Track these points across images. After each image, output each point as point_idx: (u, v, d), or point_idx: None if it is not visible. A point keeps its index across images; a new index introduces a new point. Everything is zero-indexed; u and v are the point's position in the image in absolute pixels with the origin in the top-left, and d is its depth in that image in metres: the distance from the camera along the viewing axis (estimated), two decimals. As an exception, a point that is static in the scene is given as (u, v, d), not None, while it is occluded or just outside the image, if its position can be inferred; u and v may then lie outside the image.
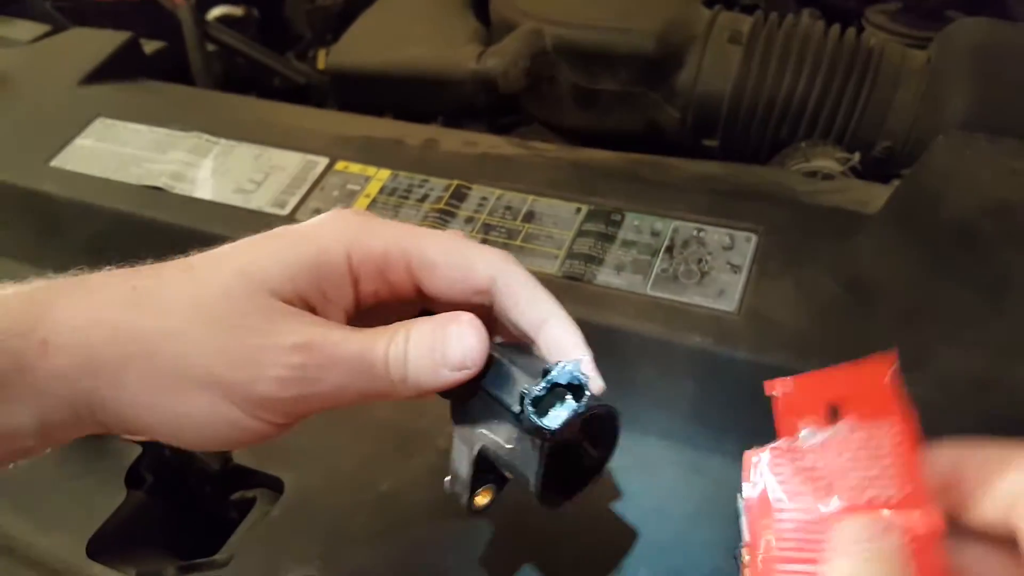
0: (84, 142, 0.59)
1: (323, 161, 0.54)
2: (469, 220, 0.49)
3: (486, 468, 0.28)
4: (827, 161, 0.54)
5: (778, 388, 0.26)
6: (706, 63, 0.58)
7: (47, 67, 0.67)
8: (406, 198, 0.51)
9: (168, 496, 0.43)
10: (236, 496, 0.42)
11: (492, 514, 0.32)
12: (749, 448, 0.26)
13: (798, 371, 0.26)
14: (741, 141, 0.59)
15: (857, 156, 0.55)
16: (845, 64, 0.55)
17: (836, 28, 0.57)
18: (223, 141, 0.57)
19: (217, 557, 0.38)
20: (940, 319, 0.38)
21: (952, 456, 0.23)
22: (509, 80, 0.58)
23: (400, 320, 0.27)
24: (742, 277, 0.42)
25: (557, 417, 0.24)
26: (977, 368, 0.36)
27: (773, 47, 0.56)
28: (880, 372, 0.24)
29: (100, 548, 0.38)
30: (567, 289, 0.43)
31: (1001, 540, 0.22)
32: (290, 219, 0.51)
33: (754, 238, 0.44)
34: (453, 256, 0.28)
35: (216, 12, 0.84)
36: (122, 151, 0.58)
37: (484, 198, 0.50)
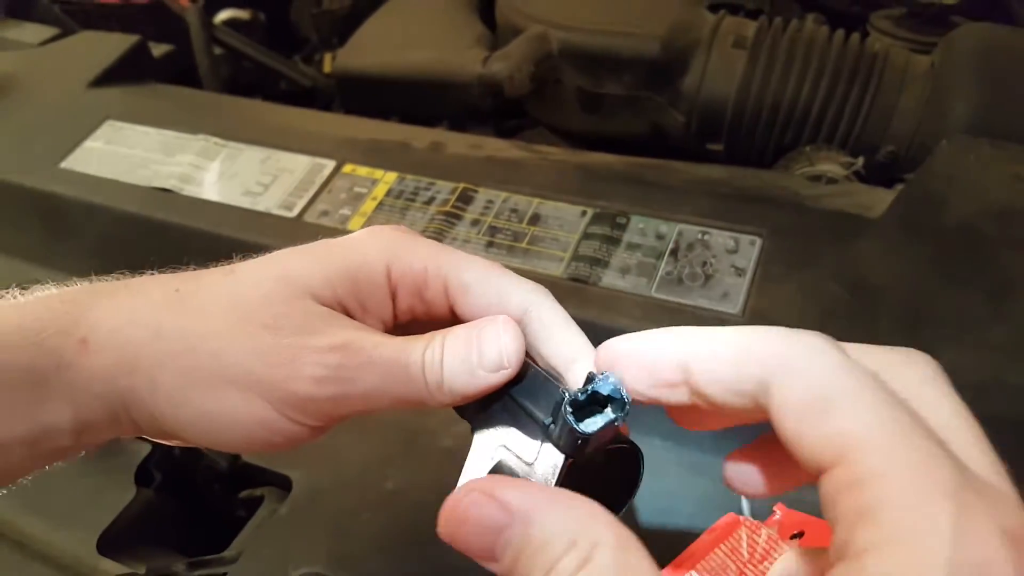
0: (93, 144, 0.60)
1: (330, 164, 0.55)
2: (475, 223, 0.49)
3: None
4: (831, 165, 0.55)
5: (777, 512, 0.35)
6: (711, 67, 0.58)
7: (56, 70, 0.68)
8: (412, 200, 0.51)
9: (177, 494, 0.43)
10: (244, 494, 0.42)
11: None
12: None
13: None
14: (745, 145, 0.59)
15: (861, 161, 0.55)
16: (849, 69, 0.55)
17: (840, 33, 0.57)
18: (231, 144, 0.58)
19: (226, 554, 0.38)
20: (943, 322, 0.38)
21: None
22: (515, 84, 0.59)
23: None
24: (746, 280, 0.43)
25: (593, 423, 0.23)
26: (979, 371, 0.36)
27: (777, 52, 0.57)
28: None
29: (111, 545, 0.39)
30: (572, 291, 0.43)
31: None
32: (298, 221, 0.51)
33: (758, 241, 0.44)
34: (489, 282, 0.28)
35: (223, 16, 0.85)
36: (131, 153, 0.58)
37: (490, 201, 0.50)
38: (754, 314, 0.41)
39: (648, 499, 0.38)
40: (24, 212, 0.58)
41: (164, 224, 0.53)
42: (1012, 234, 0.40)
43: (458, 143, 0.56)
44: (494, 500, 0.20)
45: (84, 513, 0.40)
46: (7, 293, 0.26)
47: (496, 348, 0.25)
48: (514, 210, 0.49)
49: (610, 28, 0.60)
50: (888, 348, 0.21)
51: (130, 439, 0.42)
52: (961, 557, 0.15)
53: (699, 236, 0.45)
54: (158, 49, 0.72)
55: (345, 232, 0.48)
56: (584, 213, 0.48)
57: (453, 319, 0.29)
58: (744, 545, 0.33)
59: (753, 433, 0.27)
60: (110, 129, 0.61)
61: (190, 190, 0.55)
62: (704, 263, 0.44)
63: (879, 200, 0.46)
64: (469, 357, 0.26)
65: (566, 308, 0.29)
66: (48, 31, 0.74)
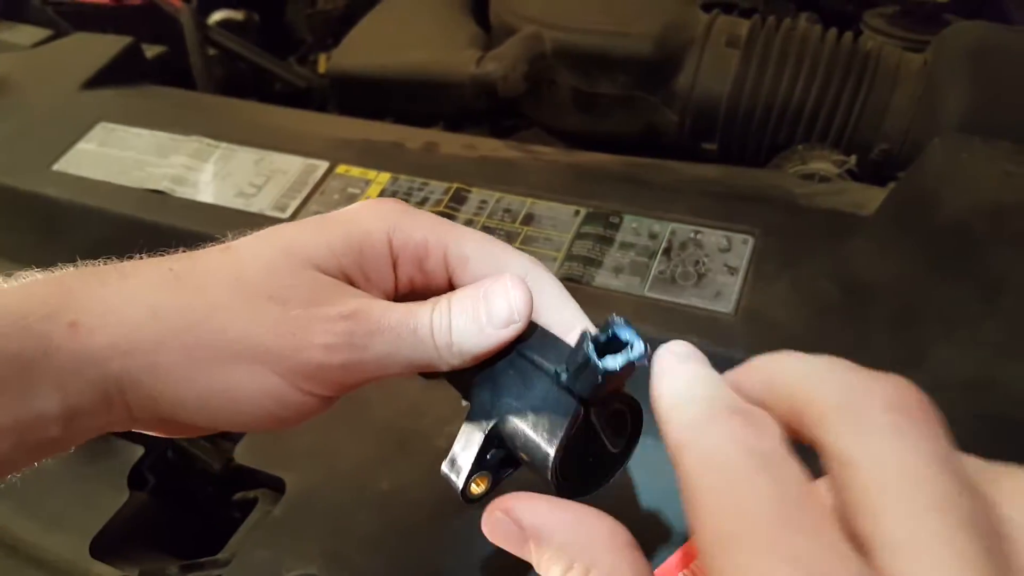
0: (86, 146, 0.59)
1: (324, 165, 0.55)
2: (468, 223, 0.49)
3: (497, 445, 0.28)
4: (824, 164, 0.55)
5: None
6: (704, 67, 0.58)
7: (49, 72, 0.68)
8: (406, 201, 0.51)
9: (170, 496, 0.43)
10: (238, 496, 0.42)
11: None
12: None
13: None
14: (739, 144, 0.59)
15: (853, 159, 0.55)
16: (842, 67, 0.55)
17: (833, 31, 0.57)
18: (224, 145, 0.58)
19: (219, 557, 0.38)
20: (935, 320, 0.38)
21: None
22: (508, 84, 0.59)
23: None
24: (739, 279, 0.43)
25: (614, 361, 0.23)
26: (972, 368, 0.36)
27: (771, 51, 0.57)
28: None
29: (103, 548, 0.39)
30: (566, 291, 0.43)
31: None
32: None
33: (751, 240, 0.44)
34: (487, 253, 0.29)
35: (217, 16, 0.85)
36: (124, 155, 0.58)
37: (484, 201, 0.50)
38: (747, 312, 0.41)
39: (646, 497, 0.38)
40: (16, 214, 0.57)
41: (157, 226, 0.53)
42: (1004, 231, 0.40)
43: (451, 143, 0.56)
44: (510, 519, 0.23)
45: (77, 516, 0.40)
46: None
47: (505, 303, 0.26)
48: (507, 210, 0.49)
49: (603, 28, 0.60)
50: None
51: (122, 441, 0.43)
52: None
53: (692, 235, 0.45)
54: (151, 50, 0.72)
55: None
56: (577, 213, 0.48)
57: (451, 290, 0.29)
58: None
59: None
60: (103, 131, 0.61)
61: (183, 192, 0.54)
62: (697, 262, 0.44)
63: (872, 198, 0.46)
64: (477, 315, 0.26)
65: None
66: (41, 33, 0.74)
